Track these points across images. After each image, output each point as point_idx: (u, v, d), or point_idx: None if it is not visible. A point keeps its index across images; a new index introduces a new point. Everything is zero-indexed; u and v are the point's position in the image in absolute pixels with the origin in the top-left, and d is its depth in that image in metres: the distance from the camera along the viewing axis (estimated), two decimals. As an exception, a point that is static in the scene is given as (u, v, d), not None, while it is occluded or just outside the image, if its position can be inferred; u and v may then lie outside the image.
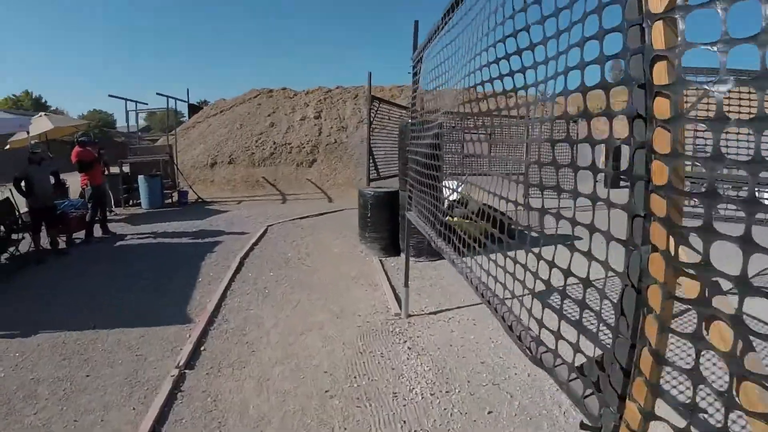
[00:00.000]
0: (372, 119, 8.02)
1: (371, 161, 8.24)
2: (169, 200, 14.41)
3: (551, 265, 1.69)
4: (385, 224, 7.58)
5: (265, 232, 9.57)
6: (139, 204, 13.56)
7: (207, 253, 7.88)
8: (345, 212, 12.36)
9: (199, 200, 14.77)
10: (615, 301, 1.30)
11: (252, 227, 10.04)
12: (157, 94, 16.54)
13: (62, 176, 11.40)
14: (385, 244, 7.65)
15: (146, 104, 16.84)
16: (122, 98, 15.00)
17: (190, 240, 8.99)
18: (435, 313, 5.43)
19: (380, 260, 7.41)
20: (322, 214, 12.06)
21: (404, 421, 3.39)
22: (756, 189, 0.85)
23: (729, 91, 1.10)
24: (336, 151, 18.93)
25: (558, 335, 1.69)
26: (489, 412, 3.54)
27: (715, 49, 0.87)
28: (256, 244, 8.48)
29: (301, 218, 11.24)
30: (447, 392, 3.79)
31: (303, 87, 24.66)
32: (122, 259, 7.68)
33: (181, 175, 15.87)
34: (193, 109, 26.09)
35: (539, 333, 1.85)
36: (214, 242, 8.71)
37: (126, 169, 14.43)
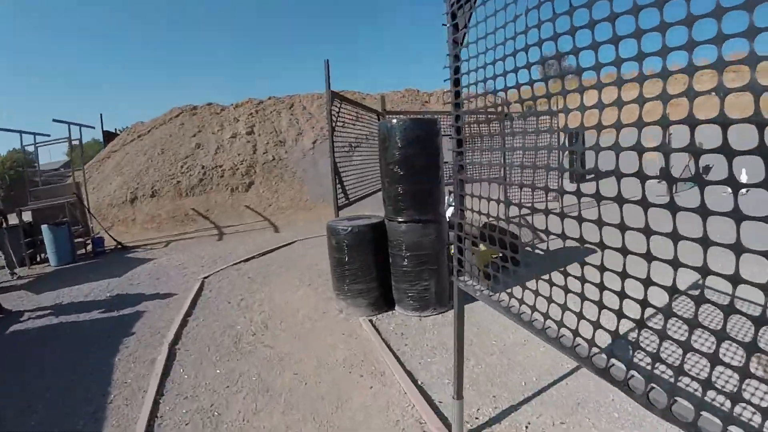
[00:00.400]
0: (334, 124, 5.82)
1: (338, 182, 6.04)
2: (83, 251, 11.63)
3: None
4: (372, 269, 5.40)
5: (201, 289, 7.18)
6: (48, 260, 10.75)
7: (123, 336, 5.48)
8: (298, 246, 10.13)
9: (119, 246, 12.08)
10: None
11: (183, 283, 7.64)
12: (54, 120, 13.56)
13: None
14: (373, 298, 5.47)
15: (48, 135, 13.83)
16: (13, 131, 12.10)
17: (101, 314, 6.48)
18: (498, 419, 3.36)
19: (370, 321, 5.27)
20: (270, 251, 9.71)
21: None
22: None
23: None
24: (275, 170, 16.62)
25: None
26: None
27: None
28: (189, 313, 6.10)
29: (245, 261, 8.88)
30: None
31: (231, 101, 22.19)
32: (10, 357, 5.13)
33: (94, 218, 13.08)
34: (110, 137, 23.04)
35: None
36: (133, 315, 6.28)
37: (27, 217, 11.53)
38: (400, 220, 5.23)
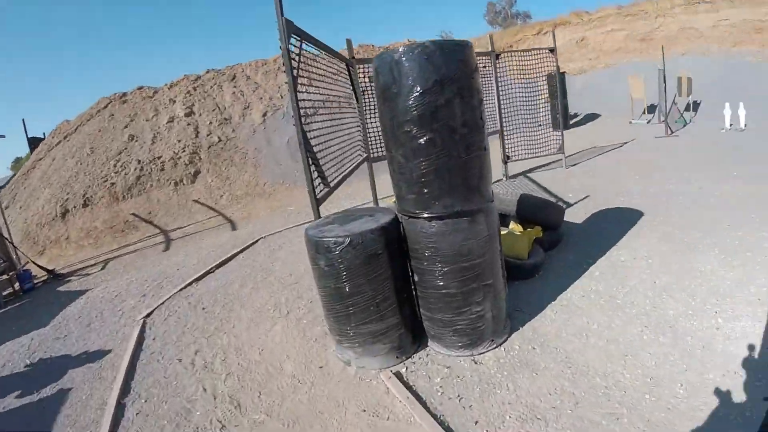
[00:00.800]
0: (296, 72, 3.76)
1: (310, 164, 4.04)
2: (10, 290, 9.27)
3: None
4: (391, 297, 3.42)
5: (141, 336, 5.18)
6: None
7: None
8: (261, 247, 8.09)
9: (50, 277, 9.82)
10: None
11: (119, 328, 5.57)
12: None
13: None
14: (396, 338, 3.50)
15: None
16: None
17: (17, 399, 4.35)
18: None
19: (400, 378, 3.38)
20: (228, 260, 7.63)
21: None
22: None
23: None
24: (224, 153, 14.39)
25: None
26: None
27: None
28: (127, 388, 4.13)
29: (197, 279, 6.81)
30: None
31: (164, 81, 19.69)
32: None
33: (16, 248, 10.59)
34: (38, 143, 20.16)
35: None
36: (55, 397, 4.25)
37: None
38: (427, 215, 3.24)
